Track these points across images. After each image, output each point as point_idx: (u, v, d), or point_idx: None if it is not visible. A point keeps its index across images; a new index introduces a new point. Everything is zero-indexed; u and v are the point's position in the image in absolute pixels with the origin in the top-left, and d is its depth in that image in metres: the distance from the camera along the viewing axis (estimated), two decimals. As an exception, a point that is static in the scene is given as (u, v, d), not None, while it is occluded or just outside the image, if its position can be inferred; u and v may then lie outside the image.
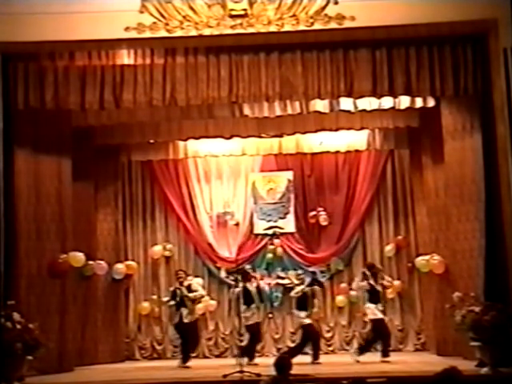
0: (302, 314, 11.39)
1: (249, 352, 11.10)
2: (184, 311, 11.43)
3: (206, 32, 9.96)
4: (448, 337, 11.13)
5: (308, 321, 11.41)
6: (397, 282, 12.90)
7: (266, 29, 9.94)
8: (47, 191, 11.10)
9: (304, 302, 11.41)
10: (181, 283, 11.61)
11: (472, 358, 9.58)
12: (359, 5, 9.75)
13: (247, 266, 12.43)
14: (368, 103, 11.12)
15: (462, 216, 10.73)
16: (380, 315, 11.22)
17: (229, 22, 9.92)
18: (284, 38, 10.03)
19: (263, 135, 12.75)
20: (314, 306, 11.67)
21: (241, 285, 11.23)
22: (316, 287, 11.84)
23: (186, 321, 11.46)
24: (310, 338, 11.36)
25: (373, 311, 11.21)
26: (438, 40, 10.14)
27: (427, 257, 11.95)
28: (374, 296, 11.21)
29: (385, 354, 11.00)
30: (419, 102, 11.11)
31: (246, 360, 10.49)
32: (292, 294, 11.72)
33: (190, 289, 11.62)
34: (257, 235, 13.57)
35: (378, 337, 11.25)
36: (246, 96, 10.35)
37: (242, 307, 11.04)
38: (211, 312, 13.21)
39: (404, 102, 11.09)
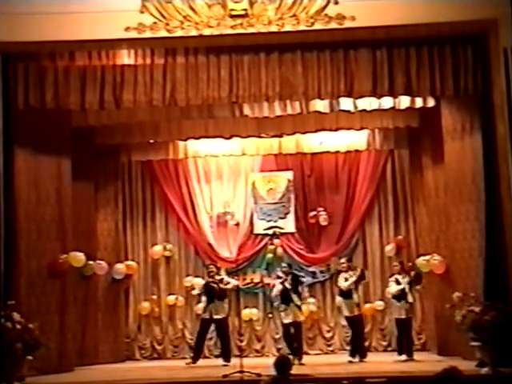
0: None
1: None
2: (214, 307, 11.47)
3: (207, 32, 9.95)
4: (448, 337, 11.14)
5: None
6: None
7: (266, 29, 9.94)
8: (47, 191, 11.09)
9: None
10: (211, 278, 11.67)
11: (472, 358, 9.58)
12: (359, 5, 9.75)
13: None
14: (368, 103, 11.12)
15: (462, 216, 10.73)
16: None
17: (229, 22, 9.91)
18: (284, 38, 10.03)
19: (263, 135, 12.74)
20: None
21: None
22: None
23: (216, 317, 11.48)
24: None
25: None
26: (438, 40, 10.15)
27: (427, 257, 11.95)
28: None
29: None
30: (419, 102, 11.11)
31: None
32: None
33: (222, 283, 11.64)
34: (257, 235, 13.56)
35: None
36: (246, 96, 10.35)
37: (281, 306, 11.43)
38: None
39: (404, 101, 11.09)
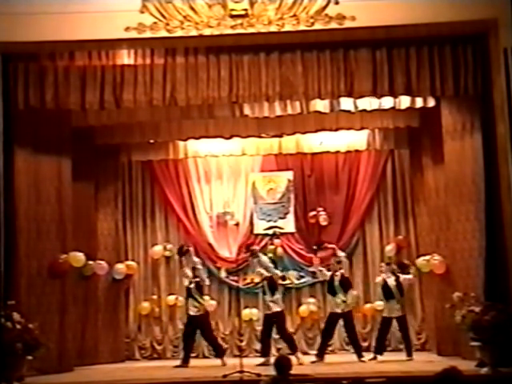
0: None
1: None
2: (192, 303, 11.46)
3: (207, 32, 9.96)
4: (448, 337, 11.14)
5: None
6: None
7: (266, 29, 9.94)
8: (47, 191, 11.09)
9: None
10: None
11: (472, 358, 9.58)
12: (359, 5, 9.76)
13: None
14: (368, 103, 11.12)
15: (462, 216, 10.72)
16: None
17: (229, 22, 9.92)
18: (284, 38, 10.03)
19: (263, 135, 12.75)
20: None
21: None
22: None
23: (192, 314, 11.45)
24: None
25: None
26: (438, 40, 10.15)
27: (428, 257, 11.95)
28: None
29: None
30: (419, 102, 11.11)
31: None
32: None
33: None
34: (257, 235, 13.57)
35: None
36: (246, 96, 10.35)
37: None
38: (211, 312, 13.18)
39: (404, 101, 11.09)
